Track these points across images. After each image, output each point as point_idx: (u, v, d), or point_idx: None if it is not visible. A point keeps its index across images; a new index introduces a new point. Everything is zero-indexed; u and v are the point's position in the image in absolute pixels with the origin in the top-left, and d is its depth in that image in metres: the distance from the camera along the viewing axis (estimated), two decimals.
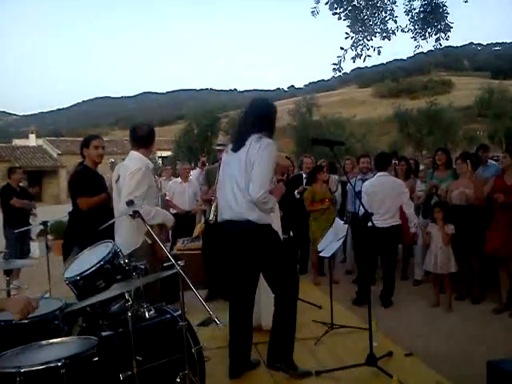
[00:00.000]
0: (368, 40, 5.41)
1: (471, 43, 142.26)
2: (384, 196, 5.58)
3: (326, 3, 5.30)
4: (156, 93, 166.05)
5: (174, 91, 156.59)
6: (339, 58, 5.45)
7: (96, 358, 2.33)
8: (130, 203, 3.05)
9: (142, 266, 2.92)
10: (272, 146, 3.36)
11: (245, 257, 3.51)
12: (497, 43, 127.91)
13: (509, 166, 5.25)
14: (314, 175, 6.87)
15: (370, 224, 5.55)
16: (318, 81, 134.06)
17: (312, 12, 5.37)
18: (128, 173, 3.70)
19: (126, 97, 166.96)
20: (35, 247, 9.43)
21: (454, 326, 4.89)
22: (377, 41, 5.63)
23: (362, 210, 6.24)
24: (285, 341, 3.58)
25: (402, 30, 5.86)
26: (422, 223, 6.17)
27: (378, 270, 6.16)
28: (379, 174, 5.79)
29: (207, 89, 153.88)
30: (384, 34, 5.51)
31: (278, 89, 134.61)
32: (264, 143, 3.32)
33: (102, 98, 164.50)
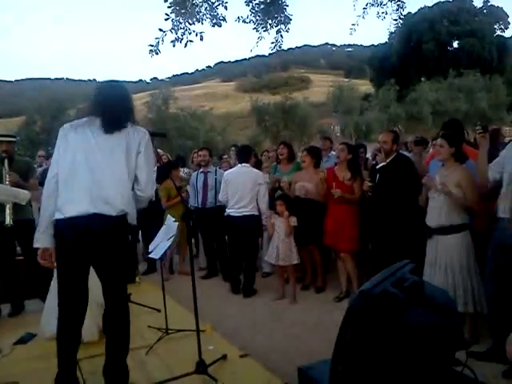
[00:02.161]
0: (190, 24, 5.07)
1: (327, 43, 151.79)
2: (238, 185, 5.72)
3: None
4: (4, 80, 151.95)
5: (24, 79, 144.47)
6: (157, 40, 5.02)
7: None
8: None
9: None
10: (149, 136, 3.05)
11: (103, 257, 2.90)
12: (349, 45, 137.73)
13: (343, 161, 5.42)
14: (169, 171, 6.65)
15: (226, 213, 5.78)
16: (182, 73, 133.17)
17: None
18: None
19: None
20: None
21: (295, 318, 4.86)
22: (200, 26, 5.30)
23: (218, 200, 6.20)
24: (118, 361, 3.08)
25: (244, 21, 5.71)
26: (267, 215, 6.13)
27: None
28: (240, 165, 5.90)
29: (63, 78, 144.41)
30: (214, 21, 5.25)
31: (141, 80, 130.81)
32: (145, 134, 3.01)
33: None
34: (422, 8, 50.51)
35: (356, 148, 6.20)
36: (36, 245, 2.95)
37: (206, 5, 5.14)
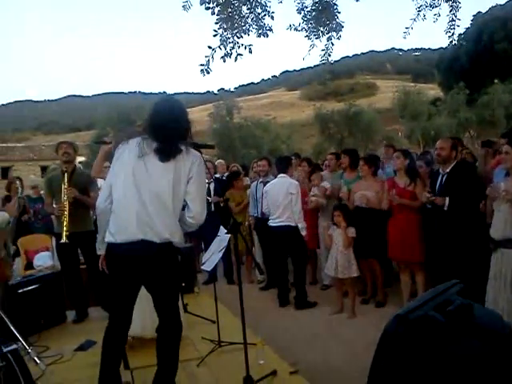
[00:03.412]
0: (238, 38, 5.04)
1: (393, 48, 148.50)
2: (274, 196, 5.74)
3: None
4: (81, 96, 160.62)
5: (101, 94, 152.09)
6: (207, 58, 5.01)
7: None
8: None
9: None
10: (202, 160, 3.02)
11: (150, 279, 2.98)
12: (416, 49, 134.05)
13: (400, 168, 5.22)
14: (231, 182, 7.03)
15: (269, 225, 5.78)
16: (248, 83, 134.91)
17: (183, 6, 4.94)
18: None
19: (49, 100, 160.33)
20: None
21: (354, 333, 4.69)
22: (248, 39, 5.28)
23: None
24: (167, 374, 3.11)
25: (296, 29, 5.64)
26: (325, 226, 6.00)
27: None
28: (279, 175, 5.87)
29: (135, 92, 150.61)
30: (260, 31, 5.22)
31: (208, 91, 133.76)
32: (196, 158, 2.97)
33: (22, 101, 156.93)
34: (493, 6, 48.21)
35: (411, 153, 5.97)
36: (98, 252, 3.15)
37: (253, 15, 5.12)
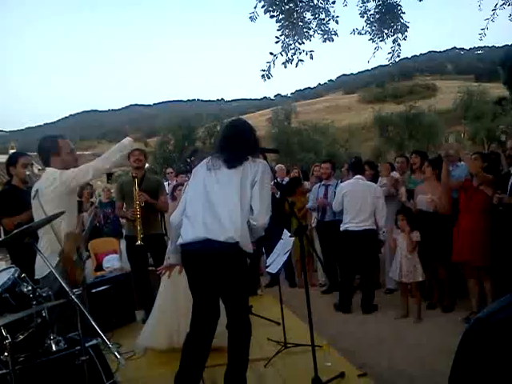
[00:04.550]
0: (299, 43, 5.07)
1: (454, 48, 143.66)
2: (358, 198, 5.61)
3: (263, 6, 4.97)
4: (143, 105, 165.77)
5: (161, 103, 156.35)
6: (268, 64, 5.07)
7: None
8: None
9: (44, 294, 2.61)
10: (267, 166, 3.20)
11: (219, 279, 3.07)
12: (479, 47, 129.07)
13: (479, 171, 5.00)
14: (294, 189, 7.02)
15: (343, 228, 5.70)
16: (305, 88, 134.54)
17: (250, 17, 5.05)
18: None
19: (113, 110, 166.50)
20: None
21: (420, 338, 4.60)
22: (309, 44, 5.31)
23: (329, 216, 6.17)
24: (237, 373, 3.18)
25: (359, 33, 5.60)
26: (388, 230, 5.92)
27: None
28: (357, 176, 5.82)
29: (194, 99, 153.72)
30: (325, 36, 5.22)
31: (265, 97, 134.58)
32: (262, 164, 3.15)
33: (88, 111, 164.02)
34: None
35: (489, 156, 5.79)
36: (169, 261, 3.47)
37: (316, 21, 5.14)
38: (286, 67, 5.18)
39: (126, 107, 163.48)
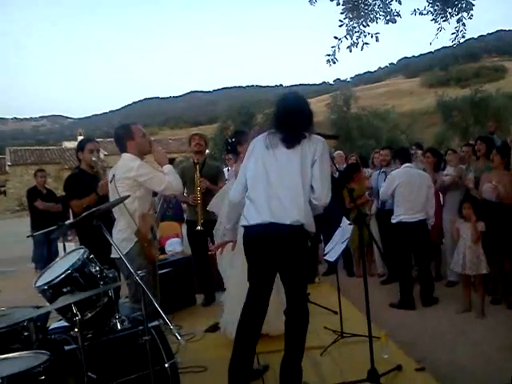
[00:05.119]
0: (364, 26, 4.93)
1: None
2: (413, 189, 5.42)
3: None
4: (203, 91, 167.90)
5: (220, 89, 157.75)
6: (333, 49, 4.98)
7: (43, 377, 2.15)
8: None
9: (111, 275, 2.75)
10: (325, 144, 3.18)
11: (283, 262, 3.11)
12: None
13: None
14: (351, 175, 6.84)
15: (397, 220, 5.54)
16: (365, 72, 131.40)
17: (310, 1, 4.97)
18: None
19: (173, 97, 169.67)
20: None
21: (483, 334, 4.44)
22: (375, 26, 5.14)
23: (390, 204, 6.04)
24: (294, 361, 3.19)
25: (421, 13, 5.38)
26: (451, 220, 5.74)
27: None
28: (406, 165, 5.60)
29: (253, 85, 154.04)
30: (388, 18, 5.05)
31: (324, 82, 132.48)
32: (320, 141, 3.13)
33: (151, 98, 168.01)
34: None
35: None
36: (225, 239, 3.50)
37: (379, 2, 5.00)
38: (351, 51, 5.12)
39: (186, 94, 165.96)
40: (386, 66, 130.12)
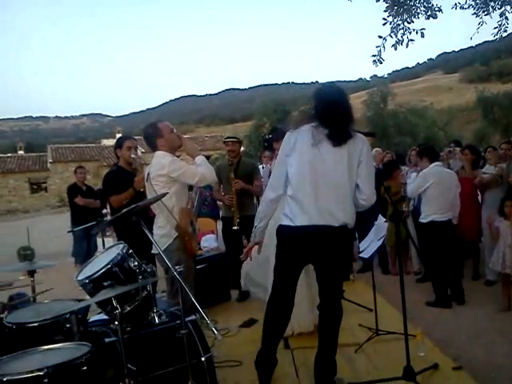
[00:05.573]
0: (409, 23, 4.82)
1: None
2: (445, 188, 5.33)
3: None
4: (239, 89, 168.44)
5: (256, 86, 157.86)
6: (378, 48, 4.88)
7: (84, 368, 2.24)
8: None
9: (149, 270, 2.83)
10: (368, 143, 3.12)
11: (325, 260, 3.07)
12: None
13: None
14: (390, 172, 6.75)
15: (429, 219, 5.44)
16: (402, 68, 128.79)
17: None
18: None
19: (210, 94, 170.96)
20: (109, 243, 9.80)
21: None
22: (419, 23, 5.03)
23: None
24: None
25: (462, 7, 5.26)
26: (490, 218, 5.62)
27: None
28: (437, 163, 5.50)
29: (289, 83, 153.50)
30: (428, 13, 4.93)
31: (361, 79, 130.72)
32: (365, 141, 3.08)
33: (187, 96, 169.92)
34: None
35: None
36: (254, 240, 3.32)
37: None
38: (396, 49, 5.04)
39: (222, 91, 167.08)
40: (425, 62, 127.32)
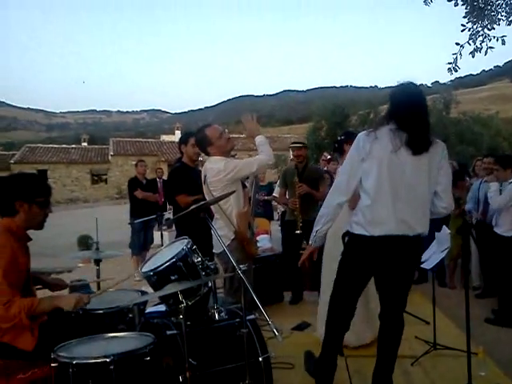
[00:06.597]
0: (489, 29, 4.59)
1: None
2: None
3: None
4: (296, 90, 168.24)
5: (314, 89, 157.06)
6: (455, 56, 4.69)
7: (148, 358, 2.29)
8: None
9: (212, 266, 2.86)
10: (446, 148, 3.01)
11: (395, 270, 2.97)
12: None
13: None
14: (455, 182, 6.46)
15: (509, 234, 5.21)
16: (466, 75, 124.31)
17: (424, 1, 4.76)
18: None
19: (267, 95, 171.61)
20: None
21: None
22: (500, 29, 4.81)
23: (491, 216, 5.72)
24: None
25: None
26: None
27: None
28: None
29: (347, 86, 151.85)
30: (510, 19, 4.70)
31: (422, 85, 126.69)
32: (444, 147, 2.98)
33: (245, 96, 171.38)
34: None
35: None
36: (314, 245, 3.19)
37: (502, 1, 4.67)
38: (473, 57, 4.81)
39: (280, 92, 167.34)
40: (491, 69, 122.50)
